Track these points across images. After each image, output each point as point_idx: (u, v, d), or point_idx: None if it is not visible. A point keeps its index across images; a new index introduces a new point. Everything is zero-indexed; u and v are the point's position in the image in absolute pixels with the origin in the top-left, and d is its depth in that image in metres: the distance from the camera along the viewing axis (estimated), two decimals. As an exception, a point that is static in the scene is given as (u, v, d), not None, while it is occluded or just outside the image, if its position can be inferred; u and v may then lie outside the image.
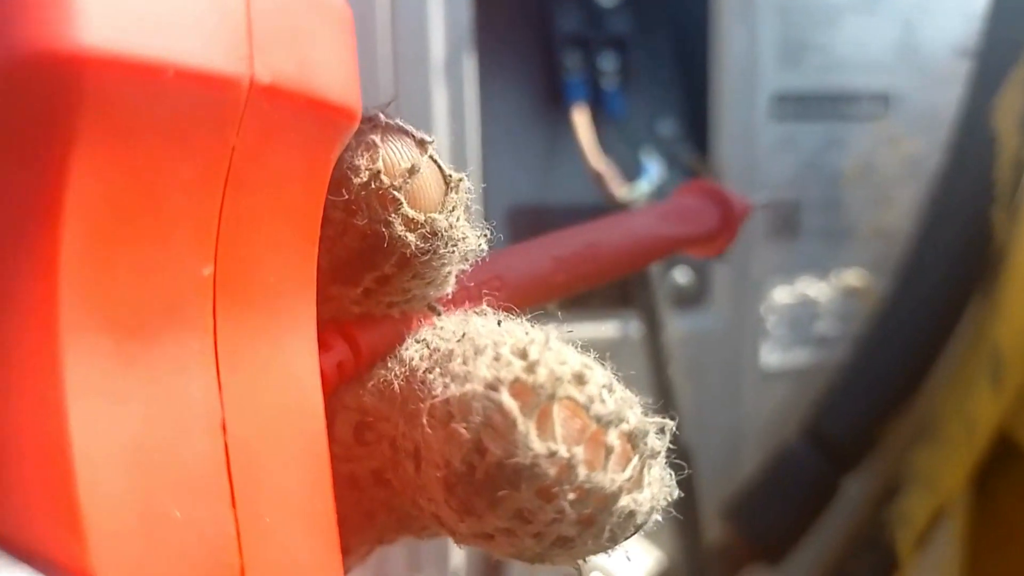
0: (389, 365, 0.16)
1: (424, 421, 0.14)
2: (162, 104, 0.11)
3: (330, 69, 0.13)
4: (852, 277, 0.53)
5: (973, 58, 0.47)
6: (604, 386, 0.14)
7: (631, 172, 0.49)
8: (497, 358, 0.14)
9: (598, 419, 0.13)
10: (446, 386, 0.14)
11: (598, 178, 0.47)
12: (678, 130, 0.52)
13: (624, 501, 0.13)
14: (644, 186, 0.47)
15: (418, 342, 0.16)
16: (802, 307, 0.53)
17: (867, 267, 0.53)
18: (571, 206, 0.50)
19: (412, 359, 0.15)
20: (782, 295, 0.52)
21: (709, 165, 0.51)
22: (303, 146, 0.13)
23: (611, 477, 0.13)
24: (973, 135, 0.46)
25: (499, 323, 0.16)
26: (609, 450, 0.13)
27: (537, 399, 0.13)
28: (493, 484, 0.13)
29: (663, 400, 0.47)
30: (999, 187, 0.46)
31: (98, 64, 0.10)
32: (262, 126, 0.12)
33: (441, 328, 0.16)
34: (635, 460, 0.13)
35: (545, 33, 0.50)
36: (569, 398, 0.13)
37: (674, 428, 0.15)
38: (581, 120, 0.48)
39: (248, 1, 0.12)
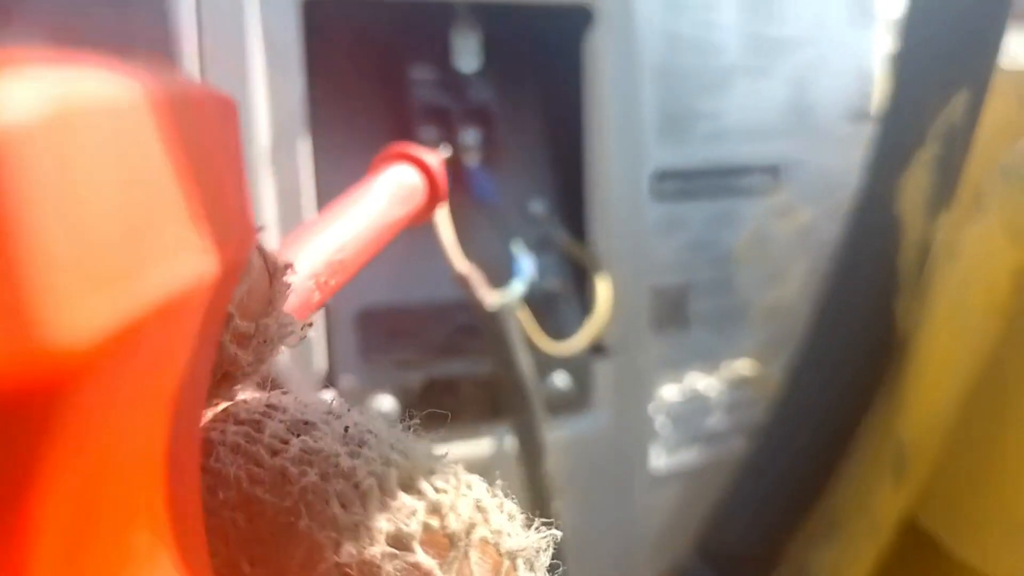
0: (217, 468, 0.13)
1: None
2: None
3: None
4: (743, 366, 0.48)
5: (873, 137, 0.42)
6: (506, 514, 0.13)
7: (499, 260, 0.43)
8: (390, 501, 0.12)
9: (509, 554, 0.13)
10: (337, 544, 0.12)
11: (463, 282, 0.40)
12: (550, 209, 0.46)
13: None
14: (517, 288, 0.41)
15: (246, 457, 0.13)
16: (691, 403, 0.48)
17: (759, 354, 0.48)
18: (429, 304, 0.44)
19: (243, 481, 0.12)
20: (670, 392, 0.47)
21: (588, 249, 0.45)
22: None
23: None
24: (874, 218, 0.42)
25: (346, 429, 0.13)
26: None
27: (455, 551, 0.12)
28: None
29: (543, 514, 0.41)
30: (902, 274, 0.42)
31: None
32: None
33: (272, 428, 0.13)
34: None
35: (396, 104, 0.43)
36: (482, 539, 0.12)
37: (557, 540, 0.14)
38: (441, 212, 0.41)
39: None
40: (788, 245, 0.48)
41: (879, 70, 0.49)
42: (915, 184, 0.41)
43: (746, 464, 0.46)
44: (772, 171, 0.48)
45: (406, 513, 0.12)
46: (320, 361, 0.40)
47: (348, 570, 0.12)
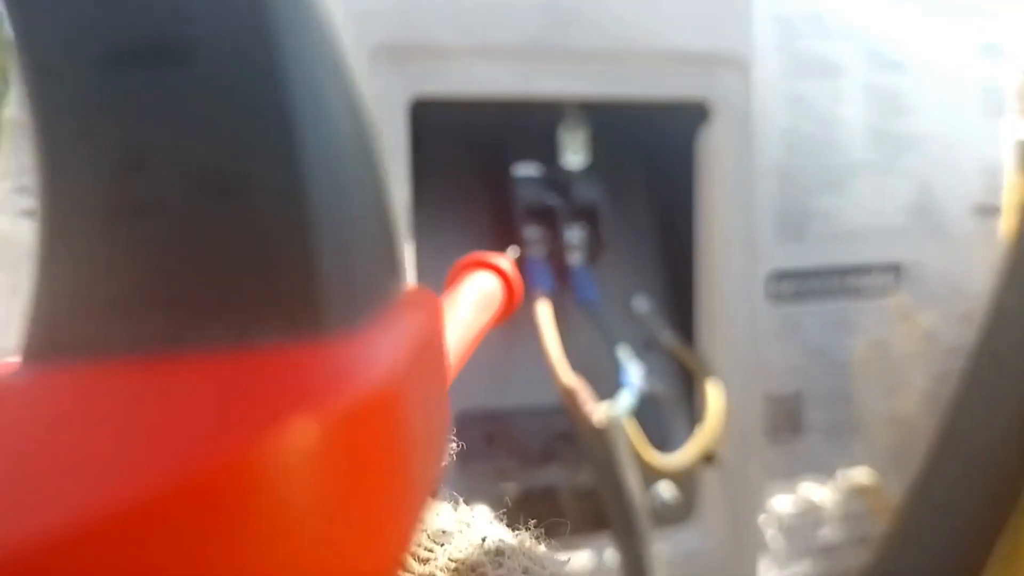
0: None
1: None
2: None
3: None
4: (859, 476, 0.45)
5: (1008, 250, 0.39)
6: None
7: (603, 364, 0.41)
8: None
9: None
10: None
11: (568, 396, 0.38)
12: (655, 308, 0.44)
13: None
14: (626, 401, 0.39)
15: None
16: (804, 515, 0.45)
17: (876, 464, 0.45)
18: (528, 409, 0.42)
19: None
20: (782, 503, 0.44)
21: (696, 352, 0.43)
22: None
23: None
24: (1011, 329, 0.39)
25: (483, 540, 0.15)
26: None
27: None
28: None
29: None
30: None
31: None
32: None
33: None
34: None
35: (501, 203, 0.42)
36: None
37: None
38: (544, 316, 0.40)
39: None
40: (909, 351, 0.45)
41: (1008, 162, 0.46)
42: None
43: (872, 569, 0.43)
44: (893, 270, 0.45)
45: None
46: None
47: None
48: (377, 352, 0.09)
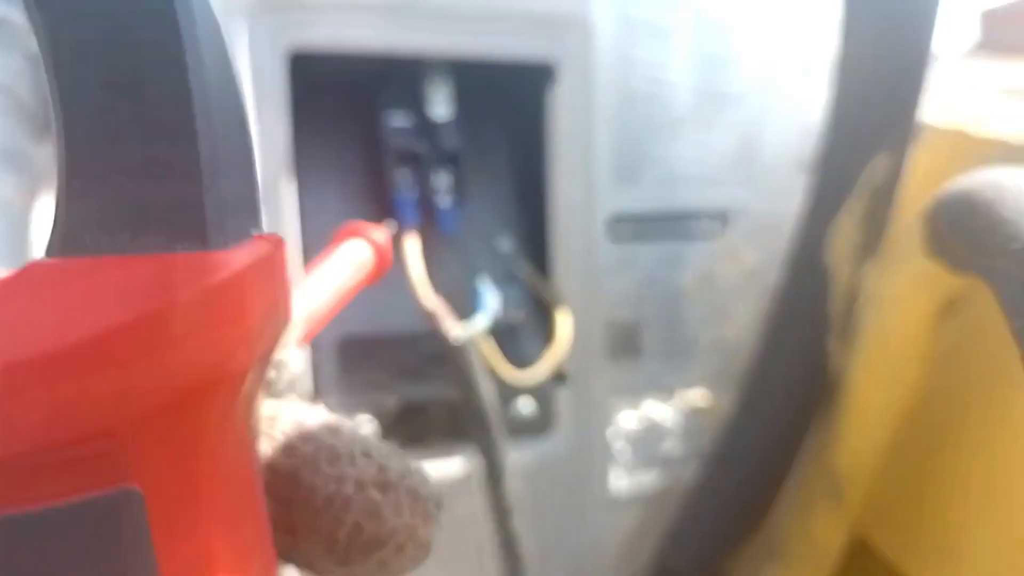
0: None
1: (310, 509, 0.18)
2: None
3: None
4: (695, 396, 0.52)
5: (805, 190, 0.46)
6: (421, 473, 0.19)
7: (466, 293, 0.46)
8: (353, 462, 0.18)
9: (426, 498, 0.19)
10: (326, 485, 0.18)
11: (430, 316, 0.43)
12: (516, 245, 0.50)
13: (431, 539, 0.19)
14: (480, 322, 0.44)
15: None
16: (648, 430, 0.51)
17: (709, 384, 0.52)
18: (403, 333, 0.47)
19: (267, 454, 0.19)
20: (627, 419, 0.50)
21: (549, 284, 0.49)
22: None
23: (431, 530, 0.19)
24: (806, 265, 0.46)
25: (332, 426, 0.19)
26: (428, 514, 0.18)
27: (395, 492, 0.18)
28: (367, 548, 0.18)
29: (503, 531, 0.44)
30: (833, 318, 0.46)
31: None
32: None
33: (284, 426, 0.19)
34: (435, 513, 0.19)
35: (374, 149, 0.47)
36: (408, 487, 0.18)
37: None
38: (412, 249, 0.45)
39: None
40: (734, 285, 0.52)
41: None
42: (842, 236, 0.45)
43: (695, 489, 0.49)
44: (720, 217, 0.51)
45: (363, 467, 0.18)
46: (306, 384, 0.43)
47: (332, 501, 0.18)
48: (236, 258, 0.13)
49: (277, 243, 0.15)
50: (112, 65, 0.12)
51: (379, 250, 0.31)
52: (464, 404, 0.44)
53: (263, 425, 0.19)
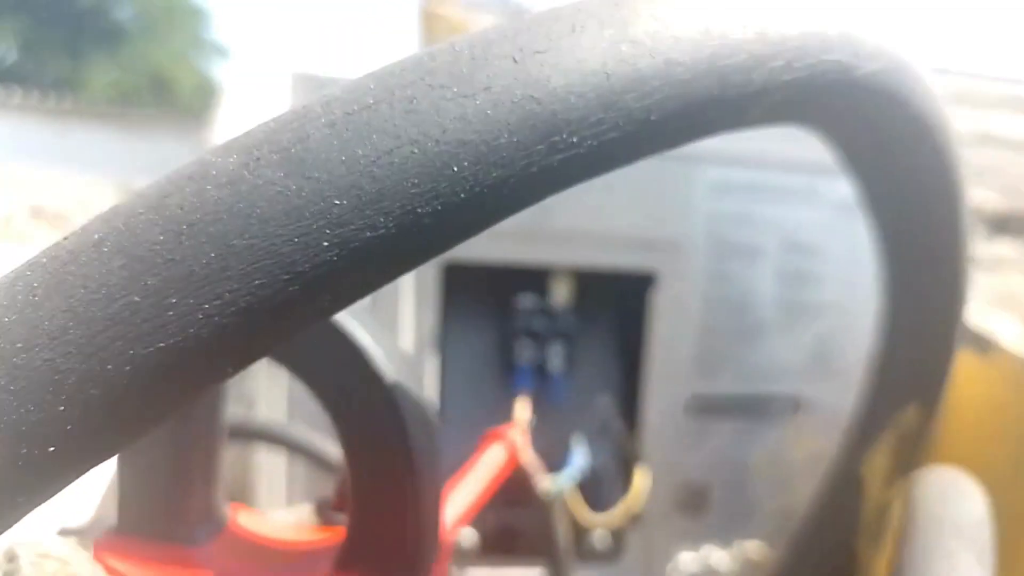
0: None
1: None
2: None
3: None
4: (752, 548, 0.61)
5: (853, 412, 0.54)
6: None
7: (562, 453, 0.59)
8: None
9: None
10: None
11: (528, 470, 0.56)
12: (612, 408, 0.62)
13: None
14: (565, 480, 0.57)
15: None
16: (704, 571, 0.61)
17: (766, 541, 0.61)
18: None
19: None
20: (687, 559, 0.61)
21: (636, 444, 0.60)
22: None
23: None
24: (846, 475, 0.54)
25: None
26: None
27: None
28: None
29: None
30: (864, 522, 0.54)
31: None
32: None
33: None
34: None
35: (504, 328, 0.60)
36: None
37: None
38: (521, 408, 0.58)
39: None
40: (801, 462, 0.60)
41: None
42: (876, 460, 0.53)
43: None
44: (792, 403, 0.60)
45: None
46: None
47: None
48: None
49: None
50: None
51: (513, 448, 0.45)
52: (544, 538, 0.56)
53: None
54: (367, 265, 0.15)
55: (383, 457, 0.25)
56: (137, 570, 0.25)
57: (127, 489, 0.26)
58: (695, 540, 0.61)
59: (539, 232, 0.56)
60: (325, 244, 0.15)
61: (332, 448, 0.51)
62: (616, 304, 0.62)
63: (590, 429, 0.61)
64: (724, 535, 0.61)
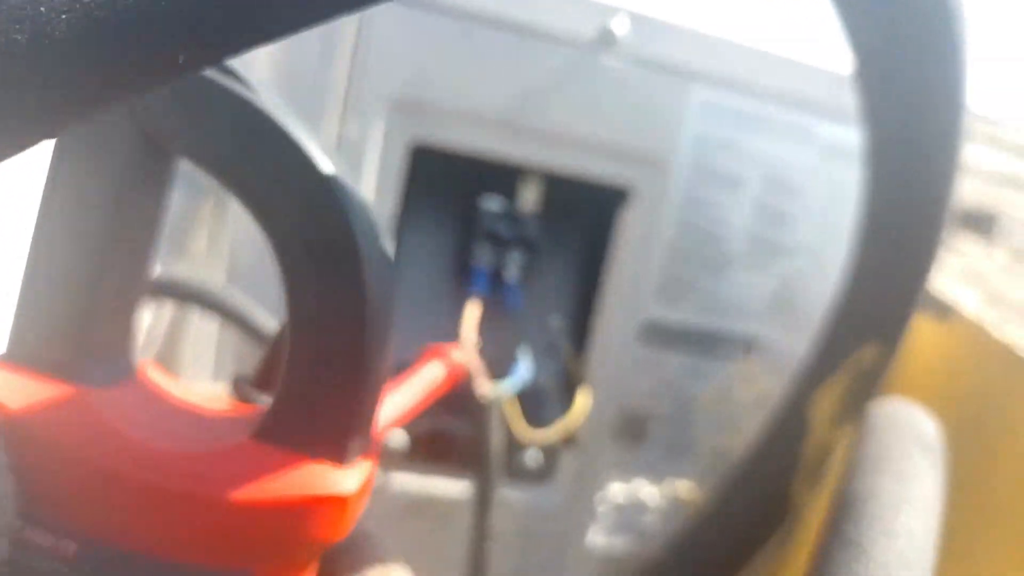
0: None
1: None
2: None
3: None
4: (682, 487, 0.60)
5: (807, 351, 0.53)
6: None
7: (507, 363, 0.57)
8: None
9: None
10: None
11: (468, 370, 0.54)
12: (564, 326, 0.60)
13: None
14: (507, 387, 0.54)
15: None
16: (631, 503, 0.60)
17: (699, 482, 0.60)
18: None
19: None
20: (617, 489, 0.59)
21: (582, 364, 0.58)
22: None
23: None
24: (790, 413, 0.53)
25: None
26: None
27: None
28: None
29: (477, 559, 0.55)
30: (803, 464, 0.53)
31: None
32: None
33: None
34: None
35: (467, 225, 0.57)
36: None
37: None
38: (471, 312, 0.55)
39: None
40: (745, 404, 0.59)
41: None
42: (826, 401, 0.51)
43: (648, 565, 0.58)
44: (745, 344, 0.59)
45: None
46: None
47: None
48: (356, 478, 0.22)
49: (373, 471, 0.24)
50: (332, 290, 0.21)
51: (454, 369, 0.42)
52: (476, 446, 0.54)
53: None
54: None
55: (335, 320, 0.22)
56: (23, 402, 0.22)
57: (26, 310, 0.23)
58: (628, 472, 0.60)
59: (515, 126, 0.53)
60: None
61: (269, 321, 0.48)
62: (584, 217, 0.59)
63: (539, 343, 0.59)
64: (658, 470, 0.60)
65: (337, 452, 0.22)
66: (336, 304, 0.21)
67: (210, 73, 0.21)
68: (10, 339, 0.23)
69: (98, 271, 0.22)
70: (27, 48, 0.12)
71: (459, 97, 0.52)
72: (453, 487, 0.57)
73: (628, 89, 0.53)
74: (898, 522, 0.37)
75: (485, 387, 0.54)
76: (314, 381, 0.22)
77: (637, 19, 0.51)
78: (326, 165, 0.21)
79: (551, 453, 0.59)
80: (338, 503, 0.22)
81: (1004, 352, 0.54)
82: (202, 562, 0.21)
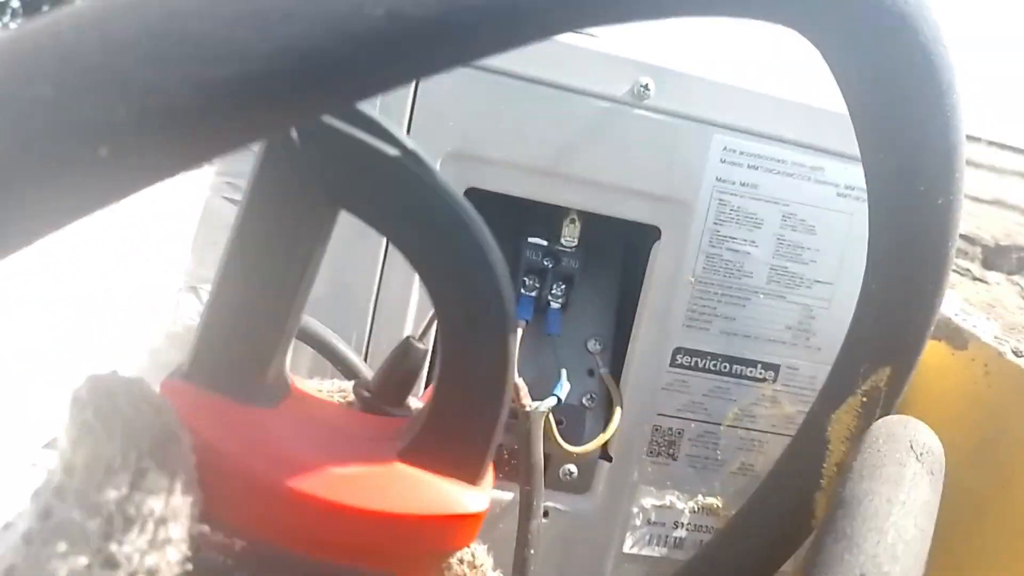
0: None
1: None
2: None
3: None
4: (711, 503, 0.65)
5: (827, 376, 0.58)
6: None
7: (547, 385, 0.63)
8: None
9: None
10: None
11: (513, 389, 0.60)
12: (601, 350, 0.65)
13: None
14: (545, 406, 0.60)
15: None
16: (665, 515, 0.65)
17: (727, 499, 0.65)
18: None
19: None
20: (651, 502, 0.65)
21: (618, 387, 0.64)
22: None
23: None
24: (811, 432, 0.58)
25: None
26: None
27: None
28: None
29: (520, 561, 0.60)
30: (824, 479, 0.57)
31: None
32: None
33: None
34: None
35: (514, 259, 0.64)
36: None
37: None
38: (515, 336, 0.62)
39: None
40: (771, 426, 0.64)
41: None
42: (843, 421, 0.56)
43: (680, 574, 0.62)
44: (773, 369, 0.64)
45: None
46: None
47: None
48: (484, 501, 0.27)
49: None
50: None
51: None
52: (520, 455, 0.60)
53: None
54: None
55: (482, 370, 0.26)
56: (207, 421, 0.25)
57: (210, 336, 0.26)
58: (660, 487, 0.65)
59: (557, 174, 0.59)
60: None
61: (349, 351, 0.55)
62: (619, 253, 0.65)
63: (577, 366, 0.65)
64: (689, 487, 0.65)
65: (472, 475, 0.27)
66: (484, 357, 0.26)
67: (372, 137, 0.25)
68: (192, 360, 0.26)
69: (286, 309, 0.26)
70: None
71: (506, 148, 0.58)
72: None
73: (656, 137, 0.59)
74: (889, 521, 0.43)
75: (526, 401, 0.60)
76: (458, 416, 0.26)
77: (663, 73, 0.58)
78: (481, 234, 0.27)
79: (588, 467, 0.64)
80: (473, 519, 0.26)
81: (1018, 373, 0.58)
82: (352, 564, 0.25)
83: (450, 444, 0.26)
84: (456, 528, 0.26)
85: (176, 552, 0.22)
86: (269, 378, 0.27)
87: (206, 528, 0.24)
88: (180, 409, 0.24)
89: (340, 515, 0.25)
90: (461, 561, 0.29)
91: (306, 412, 0.29)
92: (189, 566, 0.23)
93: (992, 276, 0.81)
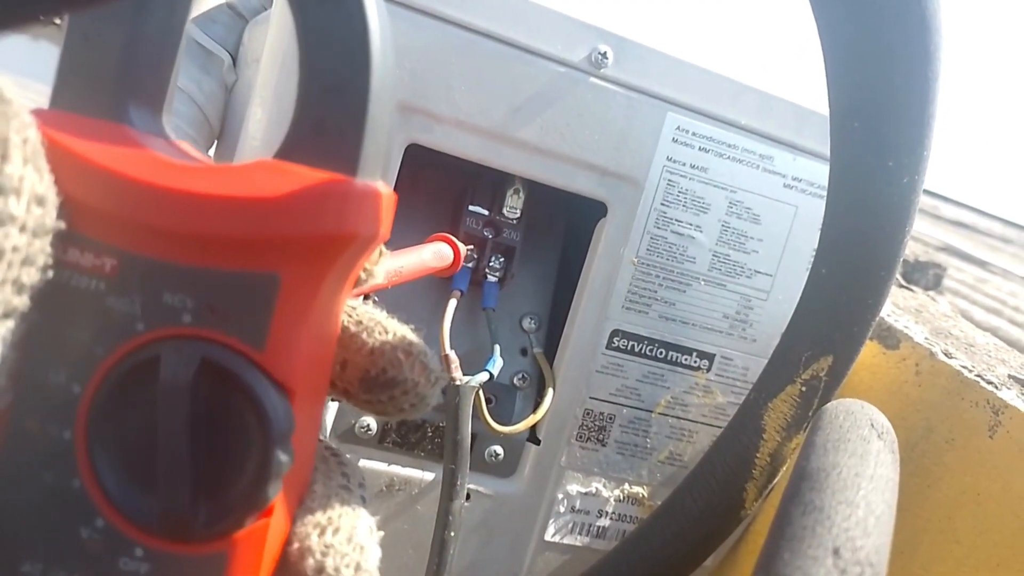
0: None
1: (360, 352, 0.27)
2: None
3: None
4: (638, 491, 0.63)
5: (768, 362, 0.56)
6: (433, 356, 0.28)
7: (479, 361, 0.60)
8: (394, 335, 0.27)
9: (431, 370, 0.28)
10: (373, 341, 0.27)
11: (444, 359, 0.57)
12: (536, 328, 0.63)
13: (428, 396, 0.27)
14: (476, 380, 0.57)
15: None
16: (589, 502, 0.63)
17: (654, 488, 0.63)
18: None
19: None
20: (575, 488, 0.62)
21: (551, 369, 0.61)
22: None
23: (430, 391, 0.27)
24: (746, 421, 0.56)
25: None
26: (429, 379, 0.27)
27: (412, 358, 0.27)
28: (385, 385, 0.26)
29: (440, 542, 0.57)
30: (756, 469, 0.56)
31: None
32: None
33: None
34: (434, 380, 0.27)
35: (453, 224, 0.61)
36: (421, 358, 0.27)
37: None
38: (449, 306, 0.58)
39: None
40: (702, 416, 0.62)
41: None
42: (780, 409, 0.55)
43: (603, 564, 0.60)
44: (708, 358, 0.62)
45: (399, 337, 0.28)
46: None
47: (374, 350, 0.27)
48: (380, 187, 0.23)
49: (394, 197, 0.26)
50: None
51: (457, 253, 0.50)
52: (447, 433, 0.57)
53: (347, 308, 0.28)
54: None
55: (340, 49, 0.23)
56: (68, 132, 0.23)
57: (68, 62, 0.25)
58: (587, 474, 0.63)
59: (505, 137, 0.56)
60: None
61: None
62: (562, 228, 0.63)
63: (510, 344, 0.62)
64: (616, 474, 0.63)
65: (349, 165, 0.23)
66: (340, 36, 0.23)
67: None
68: (54, 90, 0.25)
69: (134, 25, 0.24)
70: None
71: (454, 104, 0.55)
72: (421, 474, 0.60)
73: (610, 109, 0.57)
74: (859, 495, 0.41)
75: (456, 374, 0.57)
76: (321, 102, 0.23)
77: (623, 43, 0.56)
78: None
79: (515, 449, 0.61)
80: (341, 200, 0.23)
81: (949, 374, 0.58)
82: (233, 267, 0.23)
83: (319, 136, 0.24)
84: (331, 212, 0.23)
85: (20, 236, 0.20)
86: (141, 103, 0.25)
87: (70, 250, 0.23)
88: (42, 125, 0.22)
89: (212, 208, 0.22)
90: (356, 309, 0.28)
91: (184, 149, 0.27)
92: (51, 274, 0.22)
93: (917, 289, 0.82)
